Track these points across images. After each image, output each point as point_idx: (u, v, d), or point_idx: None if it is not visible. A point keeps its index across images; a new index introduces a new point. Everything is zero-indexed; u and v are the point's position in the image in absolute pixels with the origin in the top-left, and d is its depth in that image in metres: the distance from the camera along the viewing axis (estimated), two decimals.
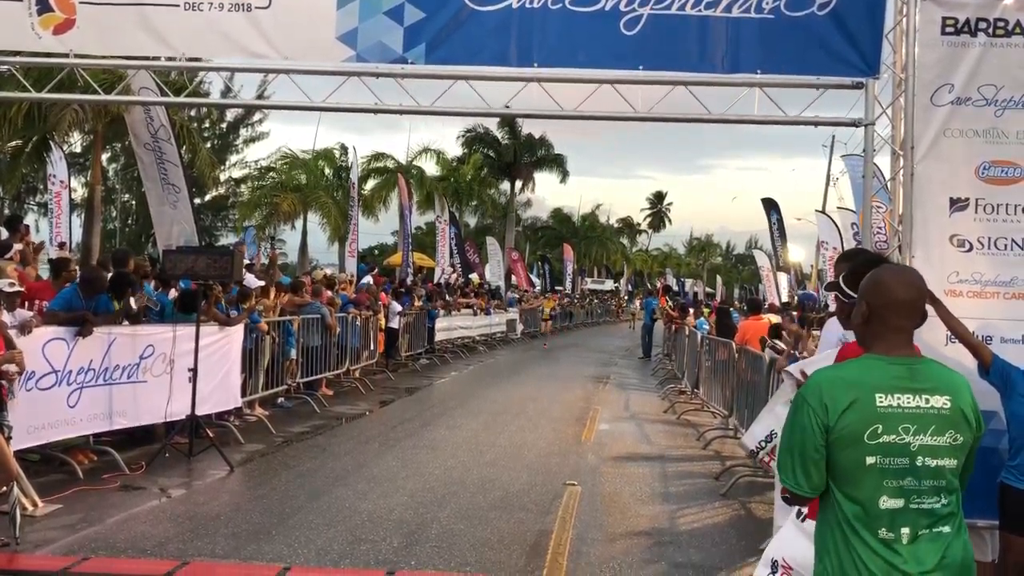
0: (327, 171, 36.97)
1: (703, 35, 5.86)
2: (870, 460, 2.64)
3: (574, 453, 10.92)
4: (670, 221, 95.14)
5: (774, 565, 4.79)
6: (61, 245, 19.26)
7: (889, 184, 6.15)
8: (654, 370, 23.18)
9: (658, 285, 49.75)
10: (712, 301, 36.45)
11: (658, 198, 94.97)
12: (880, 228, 11.06)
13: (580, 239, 66.71)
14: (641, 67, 6.02)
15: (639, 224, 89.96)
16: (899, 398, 2.65)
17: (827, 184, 37.22)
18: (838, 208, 29.19)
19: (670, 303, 27.76)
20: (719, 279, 77.23)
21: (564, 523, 7.56)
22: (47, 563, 6.05)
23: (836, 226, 26.49)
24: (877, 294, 2.80)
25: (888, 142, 6.00)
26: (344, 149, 30.02)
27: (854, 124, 6.00)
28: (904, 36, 5.87)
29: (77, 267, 10.14)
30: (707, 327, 18.72)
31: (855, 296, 3.45)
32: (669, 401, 16.22)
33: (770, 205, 36.50)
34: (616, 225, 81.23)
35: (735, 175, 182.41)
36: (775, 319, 12.93)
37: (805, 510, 4.82)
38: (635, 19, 5.93)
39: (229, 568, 6.08)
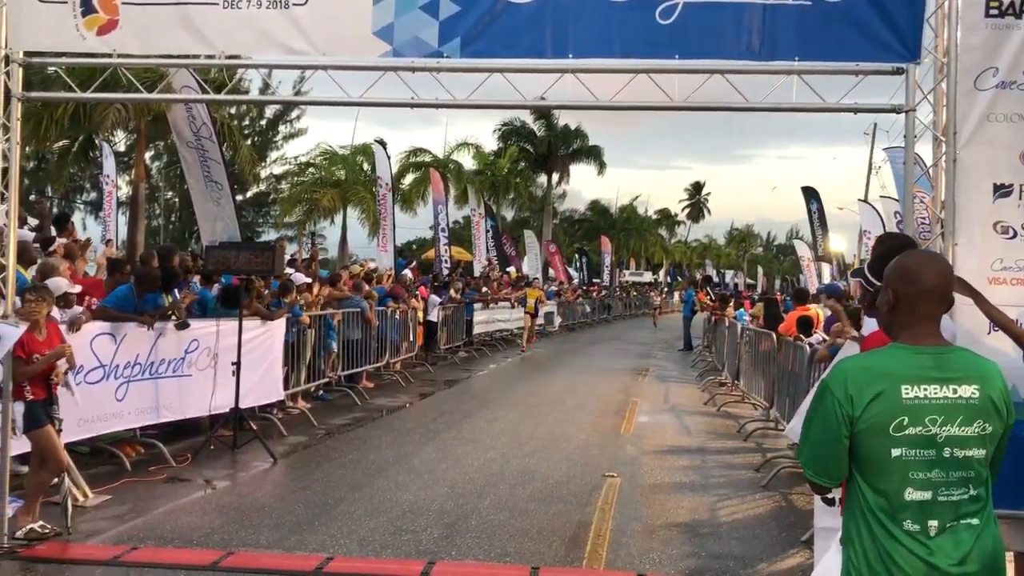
0: (365, 166, 37.18)
1: (739, 23, 5.80)
2: (895, 452, 2.59)
3: (613, 445, 10.92)
4: (709, 211, 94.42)
5: None
6: (108, 242, 19.64)
7: (931, 171, 6.04)
8: (694, 362, 23.05)
9: (698, 277, 49.37)
10: (775, 294, 35.41)
11: (696, 188, 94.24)
12: (924, 217, 10.87)
13: (618, 231, 66.38)
14: (677, 56, 5.96)
15: (677, 215, 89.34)
16: (925, 389, 2.60)
17: (869, 172, 36.66)
18: (881, 197, 28.76)
19: (709, 295, 27.55)
20: (760, 270, 76.51)
21: (604, 514, 7.57)
22: (98, 552, 6.21)
23: (879, 215, 26.09)
24: (904, 281, 2.73)
25: (930, 128, 5.89)
26: (382, 143, 30.12)
27: (894, 111, 5.88)
28: (946, 19, 5.76)
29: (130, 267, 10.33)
30: (747, 318, 18.56)
31: (879, 284, 3.39)
32: (709, 393, 16.13)
33: (810, 194, 36.06)
34: (654, 216, 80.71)
35: (774, 164, 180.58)
36: (820, 310, 12.75)
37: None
38: (671, 8, 5.88)
39: (273, 558, 6.18)
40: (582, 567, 6.27)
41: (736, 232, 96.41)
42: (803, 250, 37.99)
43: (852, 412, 2.61)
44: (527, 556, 6.39)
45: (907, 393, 2.59)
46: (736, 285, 63.87)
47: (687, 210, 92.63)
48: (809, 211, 36.00)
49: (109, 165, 24.65)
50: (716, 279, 65.86)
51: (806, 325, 10.97)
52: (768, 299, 20.74)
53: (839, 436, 2.63)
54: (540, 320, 29.76)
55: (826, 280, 33.09)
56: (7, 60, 6.42)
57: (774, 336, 12.46)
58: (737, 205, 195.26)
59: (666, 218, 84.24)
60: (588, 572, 6.20)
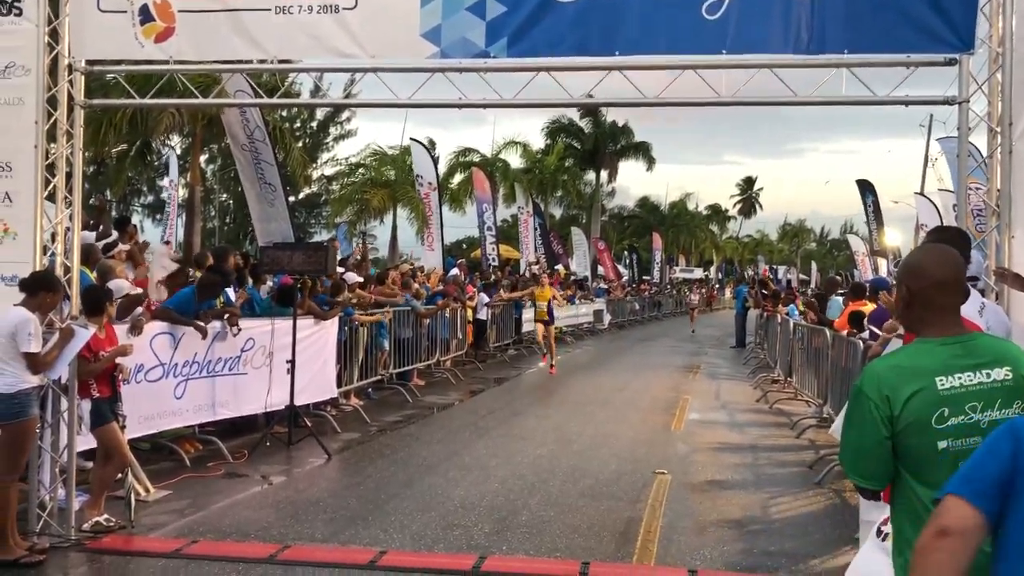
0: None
1: (787, 16, 5.77)
2: (942, 444, 2.57)
3: (663, 442, 10.89)
4: (760, 207, 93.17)
5: None
6: (167, 244, 20.10)
7: (987, 163, 5.94)
8: (746, 359, 22.82)
9: (749, 274, 48.71)
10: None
11: (748, 183, 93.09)
12: (980, 208, 10.66)
13: (668, 227, 65.95)
14: (724, 51, 5.95)
15: (728, 211, 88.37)
16: (960, 377, 2.59)
17: (925, 164, 35.91)
18: (939, 190, 28.17)
19: (762, 291, 27.24)
20: (814, 265, 75.31)
21: (654, 511, 7.57)
22: (160, 545, 6.40)
23: (936, 208, 25.56)
24: (915, 277, 2.75)
25: (984, 120, 5.79)
26: (432, 144, 30.39)
27: (947, 102, 5.80)
28: (1000, 9, 5.66)
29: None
30: (797, 314, 18.33)
31: None
32: (761, 390, 15.98)
33: (865, 187, 35.44)
34: (705, 212, 79.95)
35: (826, 158, 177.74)
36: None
37: (887, 528, 4.76)
38: (717, 3, 5.87)
39: (328, 551, 6.31)
40: (632, 563, 6.29)
41: (788, 227, 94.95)
42: (857, 244, 37.38)
43: (891, 412, 2.60)
44: (577, 552, 6.43)
45: (943, 384, 2.59)
46: (788, 281, 62.93)
47: (738, 205, 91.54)
48: (864, 205, 35.39)
49: (173, 170, 25.29)
50: (772, 278, 65.06)
51: (858, 320, 10.81)
52: (820, 295, 20.44)
53: (880, 438, 2.62)
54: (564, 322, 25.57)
55: (883, 274, 32.53)
56: (70, 69, 6.65)
57: (827, 332, 12.30)
58: (789, 200, 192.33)
59: (717, 214, 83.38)
60: (638, 568, 6.21)
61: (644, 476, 8.83)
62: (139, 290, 8.18)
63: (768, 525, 7.39)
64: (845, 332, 11.27)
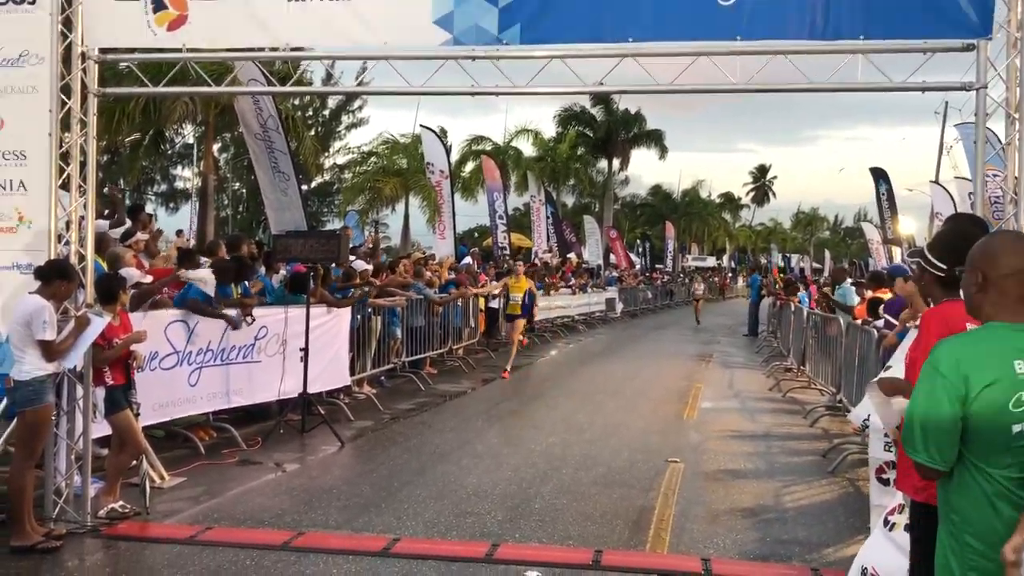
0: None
1: (802, 2, 5.70)
2: (1017, 428, 2.57)
3: (676, 431, 10.88)
4: (774, 195, 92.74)
5: (863, 572, 4.71)
6: (179, 232, 20.17)
7: (1005, 149, 5.88)
8: (759, 348, 22.76)
9: (763, 262, 48.49)
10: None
11: (761, 171, 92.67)
12: (997, 195, 10.56)
13: (680, 215, 65.74)
14: (739, 38, 5.90)
15: (742, 199, 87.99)
16: None
17: (940, 152, 35.62)
18: (955, 178, 27.96)
19: (779, 281, 27.13)
20: (827, 253, 74.98)
21: (667, 499, 7.57)
22: (175, 531, 6.44)
23: (951, 196, 25.40)
24: (992, 264, 2.73)
25: (1002, 106, 5.73)
26: (444, 132, 30.31)
27: (964, 88, 5.73)
28: None
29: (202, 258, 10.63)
30: (808, 301, 18.26)
31: (941, 265, 3.47)
32: (775, 379, 15.93)
33: (879, 175, 35.23)
34: (718, 200, 79.64)
35: (841, 145, 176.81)
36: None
37: (893, 518, 4.74)
38: None
39: (341, 538, 6.33)
40: (645, 551, 6.29)
41: (802, 215, 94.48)
42: (871, 232, 37.19)
43: (966, 392, 2.59)
44: (590, 539, 6.43)
45: (1020, 369, 2.59)
46: (802, 270, 62.66)
47: (752, 194, 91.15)
48: (878, 193, 35.19)
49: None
50: (781, 263, 64.81)
51: (875, 308, 10.75)
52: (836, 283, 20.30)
53: (955, 417, 2.61)
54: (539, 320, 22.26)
55: (897, 262, 32.36)
56: (84, 57, 6.66)
57: (840, 320, 12.24)
58: (803, 188, 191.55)
59: (730, 202, 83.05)
60: (651, 556, 6.21)
61: (657, 464, 8.82)
62: (149, 278, 8.21)
63: (781, 514, 7.38)
64: (861, 320, 11.21)
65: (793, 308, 18.77)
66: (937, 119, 37.79)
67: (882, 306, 10.79)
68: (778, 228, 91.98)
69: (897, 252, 34.31)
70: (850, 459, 9.00)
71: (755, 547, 6.41)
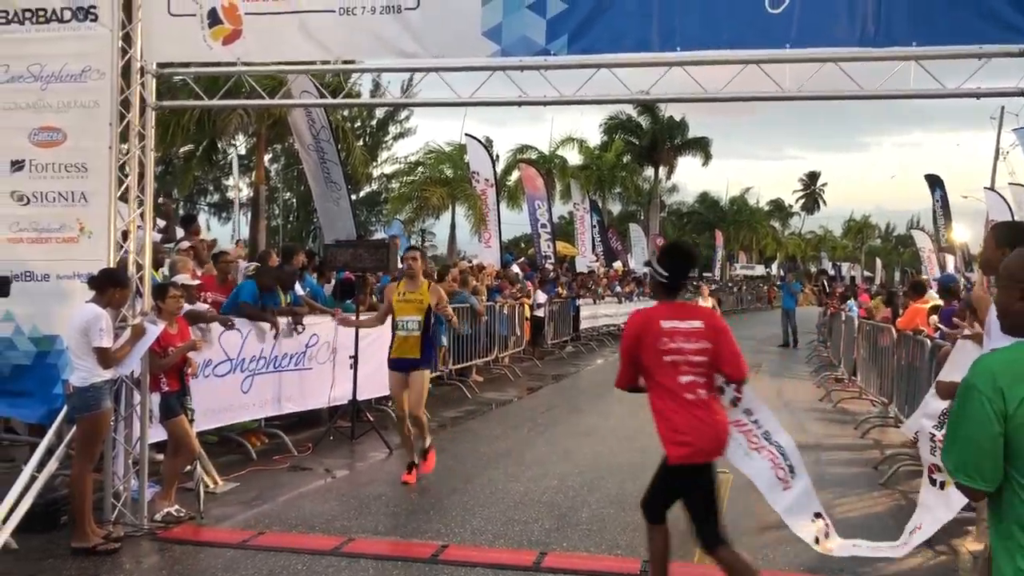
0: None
1: (852, 9, 5.66)
2: None
3: None
4: (824, 202, 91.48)
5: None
6: (237, 242, 20.55)
7: None
8: (808, 357, 22.45)
9: (812, 270, 47.73)
10: (896, 286, 33.58)
11: (811, 178, 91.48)
12: None
13: (728, 223, 65.14)
14: (788, 45, 5.86)
15: (791, 206, 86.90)
16: None
17: (996, 158, 34.79)
18: (1009, 184, 27.36)
19: (823, 287, 26.70)
20: (879, 262, 73.67)
21: None
22: (228, 536, 6.56)
23: (1007, 203, 24.85)
24: None
25: None
26: (489, 142, 30.43)
27: (1021, 94, 5.64)
28: None
29: (240, 263, 10.84)
30: (857, 310, 17.98)
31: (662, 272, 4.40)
32: (825, 389, 15.70)
33: (933, 182, 34.57)
34: (766, 208, 78.74)
35: (893, 152, 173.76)
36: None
37: (937, 476, 4.92)
38: None
39: (391, 545, 6.40)
40: (693, 562, 6.24)
41: (853, 223, 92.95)
42: (923, 240, 36.47)
43: (1004, 407, 2.51)
44: (638, 549, 6.40)
45: None
46: (853, 278, 61.64)
47: (801, 201, 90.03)
48: (933, 200, 34.52)
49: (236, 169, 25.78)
50: (832, 271, 63.79)
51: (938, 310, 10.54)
52: (891, 291, 20.00)
53: (994, 434, 2.53)
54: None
55: (950, 270, 31.70)
56: (142, 72, 6.85)
57: (893, 330, 12.04)
58: (854, 195, 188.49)
59: (779, 209, 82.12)
60: (699, 567, 6.16)
61: None
62: (196, 282, 8.40)
63: (832, 526, 7.26)
64: (911, 330, 11.03)
65: (844, 317, 18.50)
66: (992, 124, 36.93)
67: (935, 315, 10.61)
68: (828, 236, 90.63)
69: (950, 260, 33.61)
70: (902, 471, 8.85)
71: (805, 559, 6.34)
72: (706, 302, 17.61)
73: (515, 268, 21.14)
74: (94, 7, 6.64)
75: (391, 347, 8.29)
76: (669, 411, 4.94)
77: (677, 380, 4.88)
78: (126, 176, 6.80)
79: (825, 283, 29.89)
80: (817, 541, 5.46)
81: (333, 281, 11.93)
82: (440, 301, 8.61)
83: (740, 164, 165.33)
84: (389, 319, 8.44)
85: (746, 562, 5.04)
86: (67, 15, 6.68)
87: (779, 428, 5.72)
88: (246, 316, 9.02)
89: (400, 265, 9.44)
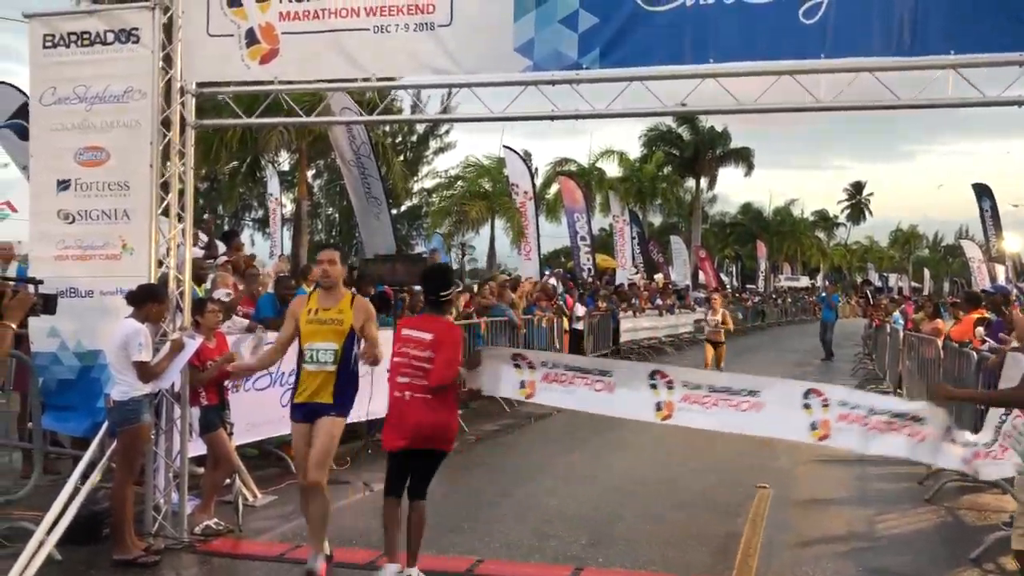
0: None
1: (887, 18, 5.58)
2: None
3: (765, 455, 10.62)
4: (870, 213, 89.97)
5: None
6: (280, 257, 20.85)
7: None
8: (854, 370, 22.08)
9: (858, 280, 46.96)
10: (945, 297, 32.78)
11: (857, 188, 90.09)
12: None
13: (772, 234, 64.43)
14: (823, 56, 5.81)
15: (837, 216, 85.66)
16: None
17: None
18: None
19: (869, 297, 26.24)
20: (927, 272, 72.30)
21: (754, 525, 7.41)
22: (266, 548, 6.63)
23: None
24: None
25: None
26: (527, 155, 30.49)
27: None
28: None
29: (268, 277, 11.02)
30: (902, 322, 17.65)
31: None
32: None
33: (982, 191, 33.85)
34: (811, 218, 77.75)
35: (939, 160, 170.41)
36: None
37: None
38: (815, 7, 5.73)
39: (427, 559, 6.36)
40: None
41: (899, 233, 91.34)
42: (972, 251, 35.72)
43: None
44: (674, 566, 6.35)
45: None
46: (900, 289, 60.54)
47: (846, 211, 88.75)
48: (981, 210, 33.80)
49: (273, 185, 26.21)
50: (879, 283, 62.80)
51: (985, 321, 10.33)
52: (937, 303, 19.60)
53: None
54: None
55: (1000, 281, 31.00)
56: (182, 91, 6.99)
57: (939, 342, 11.80)
58: (900, 205, 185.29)
59: (824, 220, 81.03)
60: None
61: (745, 490, 8.65)
62: (232, 295, 8.52)
63: (874, 542, 7.14)
64: (965, 341, 10.78)
65: (889, 329, 18.18)
66: None
67: (983, 328, 10.39)
68: (874, 246, 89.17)
69: (1001, 270, 32.88)
70: (949, 486, 8.66)
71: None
72: (716, 315, 17.12)
73: (552, 281, 21.07)
74: (136, 29, 6.79)
75: (295, 386, 6.16)
76: (389, 404, 5.91)
77: (396, 379, 5.79)
78: (167, 194, 6.93)
79: (869, 294, 29.39)
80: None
81: (372, 294, 12.01)
82: (367, 324, 6.02)
83: (783, 174, 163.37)
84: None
85: (420, 528, 5.92)
86: (110, 37, 6.84)
87: (854, 393, 6.31)
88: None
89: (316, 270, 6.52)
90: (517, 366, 6.46)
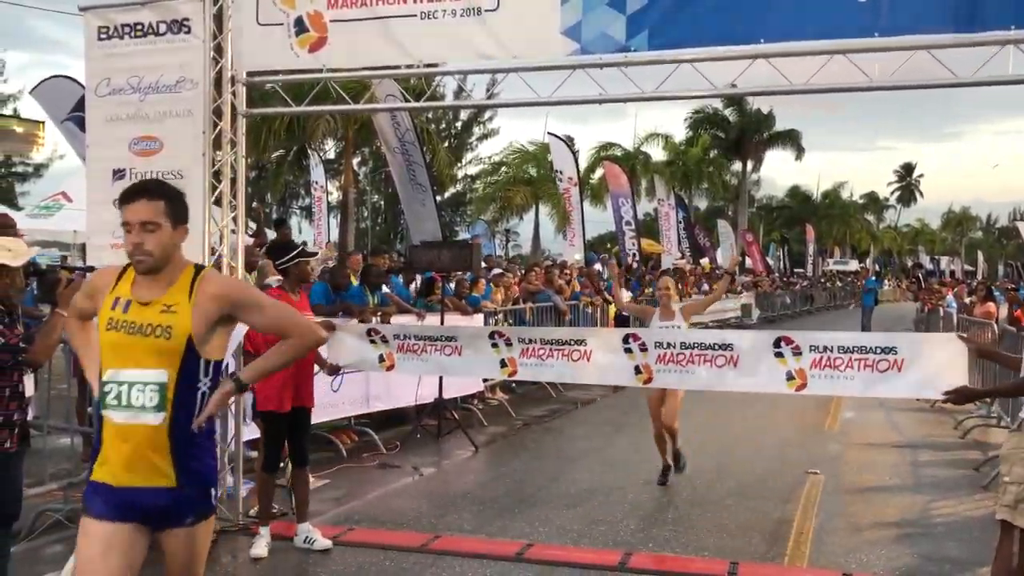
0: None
1: None
2: None
3: (816, 441, 10.53)
4: (921, 194, 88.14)
5: None
6: (328, 244, 21.07)
7: None
8: None
9: (909, 264, 46.13)
10: (1000, 281, 32.02)
11: (907, 170, 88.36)
12: None
13: (820, 217, 63.45)
14: (876, 34, 5.68)
15: (887, 199, 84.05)
16: None
17: None
18: None
19: (920, 281, 25.76)
20: (980, 255, 70.69)
21: (806, 511, 7.34)
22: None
23: None
24: None
25: None
26: (571, 140, 30.31)
27: None
28: None
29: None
30: (955, 305, 17.28)
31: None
32: None
33: None
34: (860, 201, 76.36)
35: (993, 140, 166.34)
36: None
37: None
38: None
39: (476, 543, 6.45)
40: (783, 564, 6.13)
41: (952, 215, 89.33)
42: None
43: None
44: (725, 551, 6.31)
45: None
46: (952, 272, 59.31)
47: (897, 193, 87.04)
48: None
49: (318, 173, 26.46)
50: (930, 266, 61.58)
51: None
52: (989, 287, 19.17)
53: None
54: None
55: None
56: (233, 80, 7.07)
57: (994, 326, 11.56)
58: (951, 186, 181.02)
59: (873, 202, 79.58)
60: (790, 570, 6.05)
61: (795, 476, 8.57)
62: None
63: (929, 529, 7.03)
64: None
65: (942, 313, 17.82)
66: None
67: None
68: (925, 229, 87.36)
69: None
70: None
71: (901, 563, 6.14)
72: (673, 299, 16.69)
73: (597, 266, 20.98)
74: (187, 20, 6.88)
75: (94, 454, 3.29)
76: None
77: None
78: (219, 182, 7.03)
79: (921, 277, 28.84)
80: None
81: (418, 281, 12.11)
82: (248, 310, 3.40)
83: (831, 156, 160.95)
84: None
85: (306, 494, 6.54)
86: (162, 28, 6.94)
87: (822, 334, 6.18)
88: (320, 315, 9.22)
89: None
90: (372, 342, 7.02)
